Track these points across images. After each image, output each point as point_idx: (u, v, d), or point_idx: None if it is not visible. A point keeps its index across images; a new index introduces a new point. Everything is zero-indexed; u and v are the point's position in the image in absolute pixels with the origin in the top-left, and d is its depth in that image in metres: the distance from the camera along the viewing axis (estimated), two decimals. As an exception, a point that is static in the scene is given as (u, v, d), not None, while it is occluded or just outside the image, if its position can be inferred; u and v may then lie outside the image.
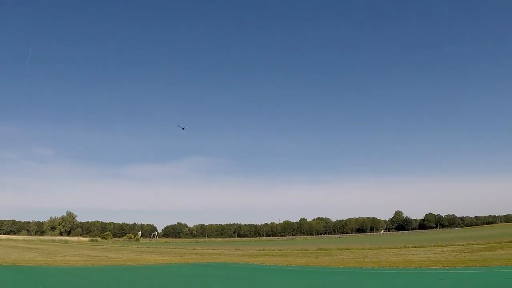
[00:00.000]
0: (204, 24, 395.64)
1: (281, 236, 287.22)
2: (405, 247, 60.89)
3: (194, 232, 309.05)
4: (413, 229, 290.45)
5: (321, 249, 69.38)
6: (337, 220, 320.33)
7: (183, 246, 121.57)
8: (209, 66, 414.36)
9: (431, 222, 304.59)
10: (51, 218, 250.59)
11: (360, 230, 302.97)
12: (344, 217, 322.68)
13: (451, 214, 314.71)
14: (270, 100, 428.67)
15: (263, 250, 78.95)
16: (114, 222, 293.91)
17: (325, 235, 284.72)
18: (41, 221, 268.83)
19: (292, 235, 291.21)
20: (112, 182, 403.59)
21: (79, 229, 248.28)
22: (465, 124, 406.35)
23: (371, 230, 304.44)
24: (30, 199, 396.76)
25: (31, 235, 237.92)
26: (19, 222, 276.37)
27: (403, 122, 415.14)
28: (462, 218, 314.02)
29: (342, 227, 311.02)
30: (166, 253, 73.66)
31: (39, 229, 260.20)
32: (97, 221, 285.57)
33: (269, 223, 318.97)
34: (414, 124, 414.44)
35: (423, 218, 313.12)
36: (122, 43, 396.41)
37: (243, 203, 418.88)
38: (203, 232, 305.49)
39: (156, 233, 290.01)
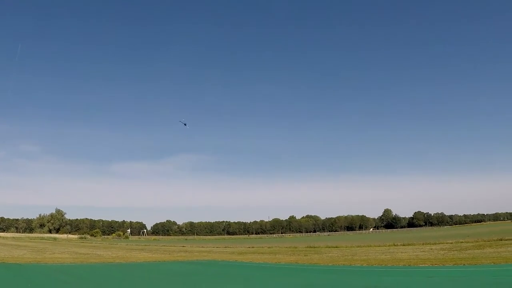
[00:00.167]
0: (195, 22, 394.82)
1: (270, 233, 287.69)
2: (394, 245, 61.11)
3: (183, 229, 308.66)
4: (402, 227, 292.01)
5: (310, 247, 69.57)
6: (326, 218, 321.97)
7: (172, 243, 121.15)
8: (197, 64, 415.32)
9: (420, 220, 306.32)
10: (40, 215, 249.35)
11: (349, 228, 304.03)
12: (333, 215, 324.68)
13: (440, 212, 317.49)
14: (259, 98, 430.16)
15: (252, 247, 79.01)
16: (103, 220, 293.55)
17: (314, 233, 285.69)
18: (30, 218, 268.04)
19: (281, 233, 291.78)
20: (101, 180, 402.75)
21: (68, 227, 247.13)
22: (454, 123, 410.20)
23: (360, 228, 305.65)
24: (19, 197, 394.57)
25: (20, 232, 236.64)
26: (8, 219, 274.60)
27: (392, 121, 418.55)
28: (451, 217, 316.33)
29: (331, 225, 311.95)
30: (155, 251, 73.39)
31: (28, 226, 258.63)
32: (86, 218, 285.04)
33: (258, 220, 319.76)
34: (404, 123, 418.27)
35: (412, 216, 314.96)
36: (111, 40, 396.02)
37: (232, 201, 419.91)
38: (192, 229, 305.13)
39: (145, 230, 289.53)
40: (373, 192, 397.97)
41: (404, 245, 60.99)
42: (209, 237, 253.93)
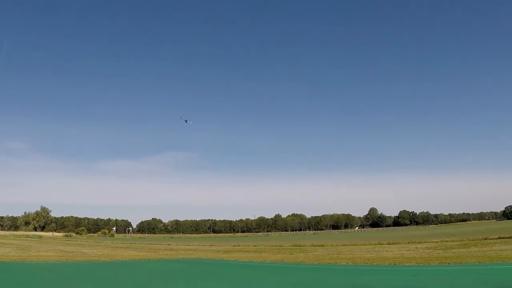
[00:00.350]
0: (186, 20, 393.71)
1: (256, 232, 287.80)
2: (380, 244, 61.42)
3: (169, 227, 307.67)
4: (387, 226, 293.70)
5: (296, 245, 69.72)
6: (312, 216, 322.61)
7: (158, 241, 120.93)
8: (187, 61, 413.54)
9: (405, 219, 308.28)
10: (25, 213, 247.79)
11: (335, 226, 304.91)
12: (319, 213, 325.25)
13: (425, 211, 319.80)
14: (247, 96, 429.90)
15: (238, 246, 79.03)
16: (89, 218, 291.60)
17: (300, 231, 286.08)
18: (15, 216, 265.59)
19: (267, 231, 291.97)
20: (87, 177, 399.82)
21: (53, 224, 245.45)
22: (440, 122, 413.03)
23: (346, 226, 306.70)
24: (4, 194, 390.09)
25: (5, 230, 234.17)
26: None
27: (378, 119, 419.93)
28: (436, 216, 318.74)
29: (316, 224, 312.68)
30: (141, 249, 73.13)
31: (13, 224, 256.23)
32: (72, 216, 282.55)
33: (244, 219, 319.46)
34: (389, 122, 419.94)
35: (397, 215, 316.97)
36: (99, 35, 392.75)
37: (218, 199, 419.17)
38: (178, 228, 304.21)
39: (130, 228, 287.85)
40: (358, 191, 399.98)
41: (389, 244, 61.35)
42: (195, 235, 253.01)
